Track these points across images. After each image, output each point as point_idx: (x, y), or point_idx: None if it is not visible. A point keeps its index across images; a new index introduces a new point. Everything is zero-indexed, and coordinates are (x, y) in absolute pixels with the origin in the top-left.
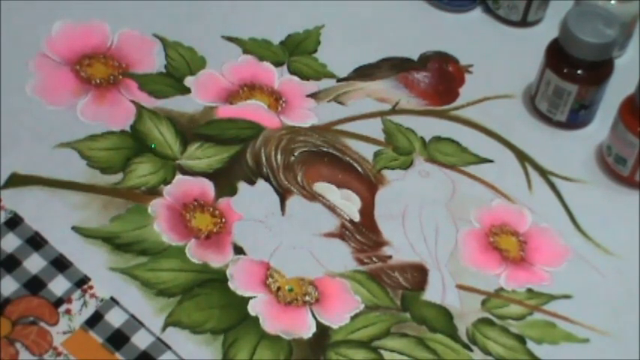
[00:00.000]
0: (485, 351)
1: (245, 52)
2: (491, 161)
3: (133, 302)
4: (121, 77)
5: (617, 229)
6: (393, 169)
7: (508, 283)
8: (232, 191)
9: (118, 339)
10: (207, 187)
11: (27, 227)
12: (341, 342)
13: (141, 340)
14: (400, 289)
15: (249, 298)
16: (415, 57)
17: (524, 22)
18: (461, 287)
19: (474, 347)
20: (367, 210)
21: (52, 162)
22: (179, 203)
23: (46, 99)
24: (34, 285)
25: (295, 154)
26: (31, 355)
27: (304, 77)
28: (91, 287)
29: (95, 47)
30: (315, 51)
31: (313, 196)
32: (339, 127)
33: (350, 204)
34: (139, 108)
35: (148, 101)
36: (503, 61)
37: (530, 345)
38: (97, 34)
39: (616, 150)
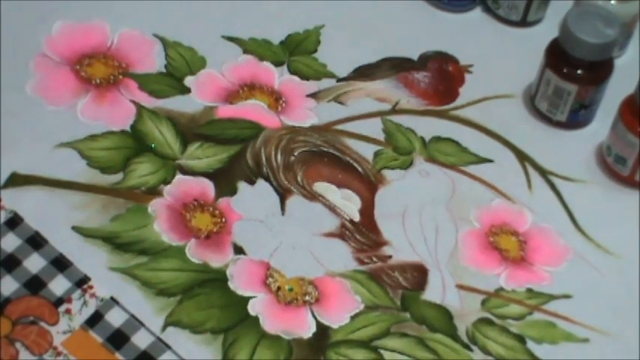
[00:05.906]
0: (485, 351)
1: (245, 52)
2: (491, 161)
3: (133, 302)
4: (121, 77)
5: (617, 229)
6: (393, 168)
7: (508, 283)
8: (232, 191)
9: (118, 339)
10: (208, 186)
11: (27, 227)
12: (341, 342)
13: (141, 340)
14: (400, 288)
15: (249, 297)
16: (415, 57)
17: (524, 22)
18: (461, 287)
19: (473, 347)
20: (367, 210)
21: (52, 162)
22: (179, 203)
23: (46, 99)
24: (34, 285)
25: (295, 153)
26: (31, 355)
27: (304, 77)
28: (91, 287)
29: (95, 47)
30: (315, 51)
31: (313, 196)
32: (339, 127)
33: (350, 204)
34: (139, 108)
35: (148, 101)
36: (503, 61)
37: (530, 345)
38: (97, 34)
39: (616, 150)
